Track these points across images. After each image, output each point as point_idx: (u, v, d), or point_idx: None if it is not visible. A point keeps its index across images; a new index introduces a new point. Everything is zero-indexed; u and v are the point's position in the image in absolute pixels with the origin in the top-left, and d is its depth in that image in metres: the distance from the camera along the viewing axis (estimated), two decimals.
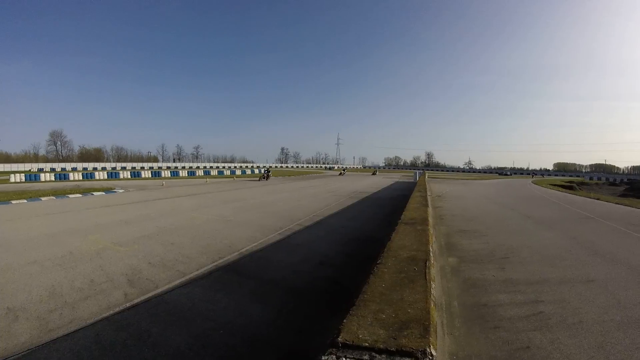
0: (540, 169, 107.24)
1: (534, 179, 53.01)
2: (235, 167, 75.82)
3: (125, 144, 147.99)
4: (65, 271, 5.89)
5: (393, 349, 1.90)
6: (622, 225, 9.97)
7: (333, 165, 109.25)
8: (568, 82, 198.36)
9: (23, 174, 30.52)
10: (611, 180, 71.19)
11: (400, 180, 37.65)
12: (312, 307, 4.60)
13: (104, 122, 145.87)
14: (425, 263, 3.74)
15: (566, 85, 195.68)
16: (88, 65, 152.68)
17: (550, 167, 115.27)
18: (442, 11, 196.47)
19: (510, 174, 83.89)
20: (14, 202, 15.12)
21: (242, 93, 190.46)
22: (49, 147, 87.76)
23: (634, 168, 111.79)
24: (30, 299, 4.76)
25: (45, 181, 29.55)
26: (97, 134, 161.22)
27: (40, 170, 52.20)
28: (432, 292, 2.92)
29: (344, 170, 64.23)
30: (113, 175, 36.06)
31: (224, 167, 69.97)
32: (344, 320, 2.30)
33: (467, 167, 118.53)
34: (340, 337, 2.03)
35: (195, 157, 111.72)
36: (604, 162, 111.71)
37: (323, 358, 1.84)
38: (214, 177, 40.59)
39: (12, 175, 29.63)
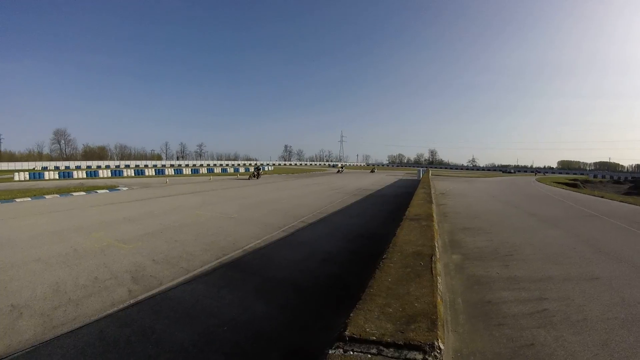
0: (544, 167, 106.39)
1: (537, 176, 52.67)
2: (238, 164, 75.80)
3: (129, 142, 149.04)
4: (69, 268, 5.92)
5: (401, 342, 1.89)
6: (626, 224, 9.89)
7: (337, 163, 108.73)
8: (570, 80, 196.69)
9: (27, 173, 30.57)
10: (615, 178, 70.54)
11: (404, 178, 37.57)
12: (316, 303, 4.60)
13: (107, 121, 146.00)
14: (431, 258, 3.72)
15: (568, 84, 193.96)
16: (91, 62, 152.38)
17: (554, 165, 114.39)
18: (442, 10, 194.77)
19: (514, 172, 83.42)
20: (18, 200, 15.21)
21: (243, 89, 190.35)
22: (52, 146, 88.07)
23: (638, 166, 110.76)
24: (34, 296, 4.79)
25: (49, 179, 29.73)
26: (101, 133, 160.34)
27: (44, 168, 52.37)
28: (438, 287, 2.90)
29: (341, 167, 61.82)
30: (117, 173, 36.26)
31: (227, 165, 70.00)
32: (351, 314, 2.28)
33: (471, 165, 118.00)
34: (348, 330, 2.01)
35: (199, 155, 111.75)
36: (608, 160, 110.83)
37: (330, 352, 1.82)
38: (218, 174, 40.70)
39: (17, 173, 29.69)
